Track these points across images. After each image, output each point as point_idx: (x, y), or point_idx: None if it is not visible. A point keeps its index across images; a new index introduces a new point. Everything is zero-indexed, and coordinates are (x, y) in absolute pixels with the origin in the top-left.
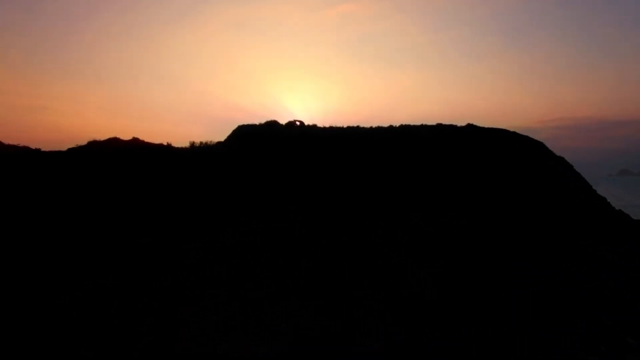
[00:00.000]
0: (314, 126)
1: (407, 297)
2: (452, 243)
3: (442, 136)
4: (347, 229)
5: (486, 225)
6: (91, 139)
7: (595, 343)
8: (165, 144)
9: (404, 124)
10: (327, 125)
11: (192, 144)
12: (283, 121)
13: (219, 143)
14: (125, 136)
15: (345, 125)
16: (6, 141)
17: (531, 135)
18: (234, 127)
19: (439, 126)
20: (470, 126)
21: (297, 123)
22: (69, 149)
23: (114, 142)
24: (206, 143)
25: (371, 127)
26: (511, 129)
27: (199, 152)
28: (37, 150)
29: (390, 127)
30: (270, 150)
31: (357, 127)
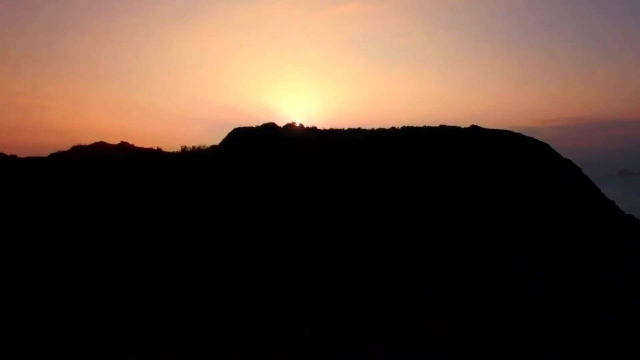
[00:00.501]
0: (314, 128)
1: (405, 299)
2: (450, 244)
3: (445, 138)
4: (344, 230)
5: (485, 226)
6: (76, 144)
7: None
8: (155, 148)
9: (406, 125)
10: (327, 127)
11: (184, 149)
12: (281, 123)
13: (213, 147)
14: (125, 137)
15: (346, 128)
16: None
17: (532, 135)
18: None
19: (442, 128)
20: (474, 128)
21: (296, 125)
22: (51, 155)
23: (100, 147)
24: (199, 147)
25: (372, 129)
26: (511, 129)
27: (192, 156)
28: (12, 157)
29: (392, 128)
30: (267, 153)
31: (358, 129)
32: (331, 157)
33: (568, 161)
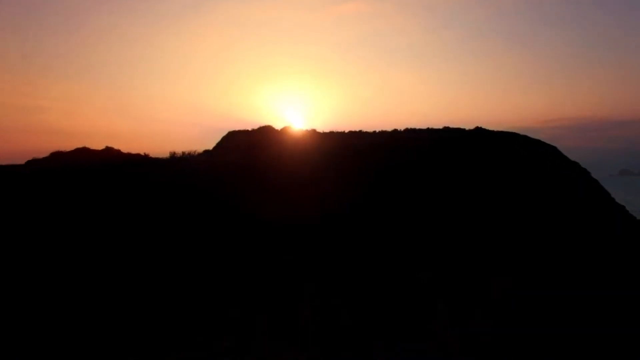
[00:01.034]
0: (313, 131)
1: None
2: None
3: (449, 141)
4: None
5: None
6: (55, 150)
7: None
8: (142, 153)
9: (409, 127)
10: (327, 130)
11: (173, 155)
12: (279, 125)
13: (206, 152)
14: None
15: (346, 130)
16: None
17: (531, 135)
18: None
19: (446, 130)
20: (478, 130)
21: (294, 128)
22: (28, 162)
23: (82, 153)
24: (189, 153)
25: (374, 131)
26: (511, 129)
27: (182, 163)
28: None
29: (395, 131)
30: (262, 158)
31: (360, 131)
32: (331, 161)
33: (576, 164)
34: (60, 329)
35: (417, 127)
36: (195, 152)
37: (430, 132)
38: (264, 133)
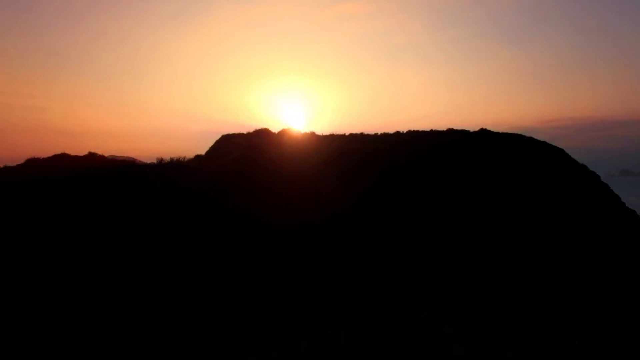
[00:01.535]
0: (312, 134)
1: None
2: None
3: (453, 144)
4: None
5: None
6: (30, 157)
7: None
8: (128, 157)
9: (412, 129)
10: (327, 132)
11: (160, 161)
12: (277, 128)
13: (197, 157)
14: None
15: (347, 133)
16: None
17: (531, 135)
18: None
19: (450, 132)
20: (483, 131)
21: (293, 131)
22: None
23: (60, 160)
24: (178, 158)
25: (376, 134)
26: (511, 129)
27: (170, 169)
28: None
29: (397, 133)
30: (259, 163)
31: (361, 134)
32: (331, 166)
33: (584, 167)
34: None
35: (419, 128)
36: (184, 158)
37: (433, 134)
38: (261, 136)
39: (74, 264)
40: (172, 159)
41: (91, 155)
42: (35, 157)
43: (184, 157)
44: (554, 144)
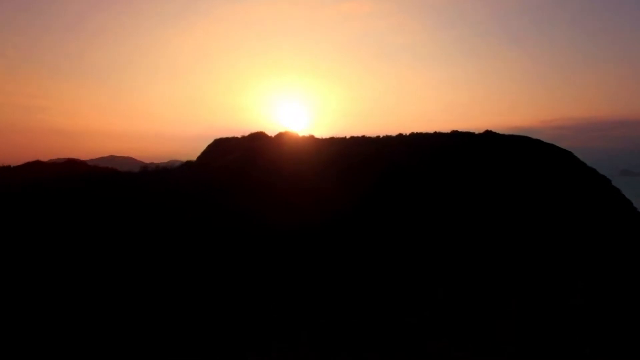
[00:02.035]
0: (311, 137)
1: None
2: None
3: (459, 147)
4: None
5: None
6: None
7: None
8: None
9: (415, 132)
10: (326, 135)
11: (144, 168)
12: (276, 130)
13: (188, 162)
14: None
15: (348, 136)
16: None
17: (531, 136)
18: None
19: (454, 134)
20: (488, 133)
21: (290, 134)
22: None
23: (34, 168)
24: (164, 165)
25: (378, 137)
26: (512, 129)
27: (155, 178)
28: None
29: (400, 135)
30: (253, 172)
31: (363, 136)
32: (331, 171)
33: (593, 171)
34: None
35: (419, 127)
36: (171, 164)
37: (437, 136)
38: (256, 141)
39: (75, 267)
40: (157, 166)
41: (71, 162)
42: (7, 164)
43: (171, 164)
44: (554, 144)
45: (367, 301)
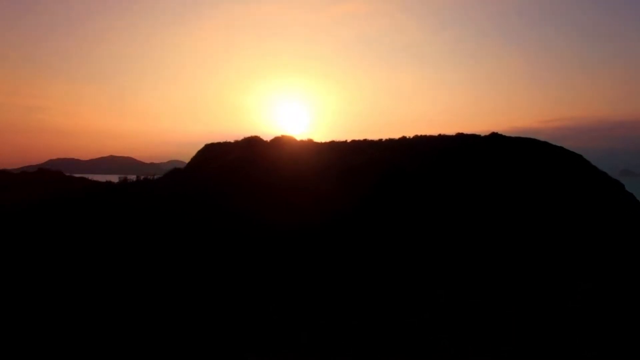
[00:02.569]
0: (309, 141)
1: None
2: None
3: (464, 150)
4: None
5: None
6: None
7: None
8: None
9: (418, 135)
10: (326, 139)
11: (124, 180)
12: (275, 133)
13: (175, 170)
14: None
15: (349, 139)
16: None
17: (531, 136)
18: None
19: (459, 136)
20: (494, 136)
21: (287, 138)
22: None
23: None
24: (147, 178)
25: (380, 140)
26: (512, 130)
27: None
28: None
29: (403, 138)
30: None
31: (364, 140)
32: (331, 175)
33: (605, 174)
34: None
35: (418, 127)
36: (153, 176)
37: (441, 138)
38: (249, 147)
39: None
40: (138, 178)
41: (40, 173)
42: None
43: (153, 176)
44: (554, 144)
45: (367, 302)
